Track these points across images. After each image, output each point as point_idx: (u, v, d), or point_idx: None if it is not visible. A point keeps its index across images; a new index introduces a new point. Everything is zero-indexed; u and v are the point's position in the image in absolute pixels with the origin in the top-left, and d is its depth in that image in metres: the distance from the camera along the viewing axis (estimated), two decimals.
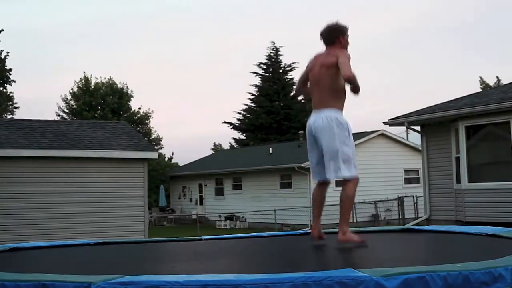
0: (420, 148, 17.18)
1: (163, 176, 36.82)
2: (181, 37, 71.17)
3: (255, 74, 43.91)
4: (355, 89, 4.61)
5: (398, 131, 29.38)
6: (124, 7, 68.33)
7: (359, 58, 69.67)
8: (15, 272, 3.05)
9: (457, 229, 5.18)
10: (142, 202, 16.94)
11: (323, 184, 4.86)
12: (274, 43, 44.10)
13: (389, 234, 5.52)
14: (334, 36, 4.79)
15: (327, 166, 4.61)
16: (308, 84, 4.94)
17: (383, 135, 26.91)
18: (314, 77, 4.79)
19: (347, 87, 4.68)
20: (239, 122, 43.99)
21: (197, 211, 30.44)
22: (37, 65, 63.08)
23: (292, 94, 43.52)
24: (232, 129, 44.50)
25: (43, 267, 3.37)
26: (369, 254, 4.22)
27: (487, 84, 41.36)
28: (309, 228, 22.42)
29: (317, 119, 4.66)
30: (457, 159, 14.43)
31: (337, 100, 4.68)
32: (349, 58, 4.66)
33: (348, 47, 4.84)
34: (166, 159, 44.02)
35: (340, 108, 4.70)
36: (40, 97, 61.20)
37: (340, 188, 4.65)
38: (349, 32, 4.85)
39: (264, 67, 43.76)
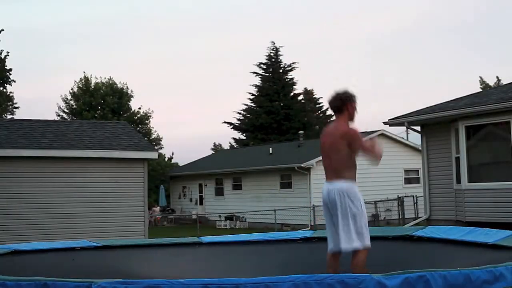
0: (420, 148, 17.17)
1: (163, 176, 36.79)
2: (181, 37, 71.20)
3: (255, 74, 43.92)
4: (375, 157, 4.90)
5: (398, 131, 29.39)
6: (124, 7, 68.35)
7: (360, 58, 69.67)
8: (17, 276, 3.04)
9: (458, 237, 5.15)
10: (142, 202, 16.93)
11: (336, 255, 4.95)
12: (274, 43, 44.14)
13: (388, 243, 5.51)
14: (342, 104, 4.97)
15: (341, 237, 4.76)
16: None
17: (383, 135, 26.86)
18: (324, 150, 5.00)
19: (361, 158, 4.92)
20: (239, 122, 43.97)
21: (197, 211, 30.41)
22: (37, 65, 63.16)
23: (292, 94, 43.52)
24: (232, 129, 44.51)
25: (44, 271, 3.37)
26: (369, 265, 4.23)
27: (487, 84, 41.35)
28: (309, 228, 22.42)
29: (330, 193, 4.85)
30: (457, 159, 14.42)
31: (348, 171, 4.86)
32: (358, 134, 4.90)
33: (356, 114, 5.02)
34: (166, 159, 43.99)
35: (352, 178, 4.88)
36: (40, 97, 61.25)
37: None
38: (357, 100, 5.03)
39: (264, 67, 43.74)
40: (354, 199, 4.77)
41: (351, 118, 4.97)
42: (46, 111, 62.61)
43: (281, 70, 43.57)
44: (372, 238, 5.35)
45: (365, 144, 4.85)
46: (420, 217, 17.72)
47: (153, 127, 43.97)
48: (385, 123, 16.74)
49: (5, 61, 34.33)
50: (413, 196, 25.16)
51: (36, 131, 17.32)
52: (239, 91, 73.71)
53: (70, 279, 2.72)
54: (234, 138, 45.34)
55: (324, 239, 5.39)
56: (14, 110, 38.11)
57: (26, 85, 57.45)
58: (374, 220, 24.95)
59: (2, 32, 33.71)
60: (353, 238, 4.71)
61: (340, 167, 4.83)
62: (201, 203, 32.62)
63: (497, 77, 42.92)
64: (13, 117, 34.72)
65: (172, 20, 68.80)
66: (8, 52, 34.46)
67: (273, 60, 43.92)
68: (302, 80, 69.93)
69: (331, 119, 47.77)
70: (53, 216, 15.83)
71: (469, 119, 14.18)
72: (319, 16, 67.45)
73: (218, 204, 30.78)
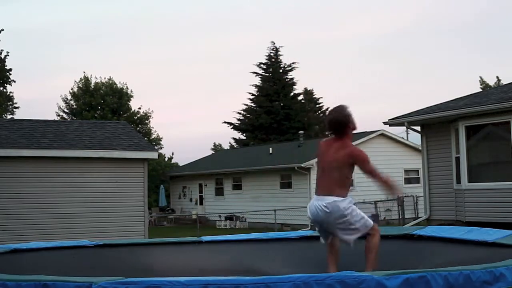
0: (420, 148, 17.17)
1: (163, 176, 36.80)
2: (181, 37, 71.21)
3: (255, 74, 43.93)
4: (389, 188, 5.08)
5: (398, 131, 29.46)
6: (124, 7, 68.37)
7: (360, 58, 69.72)
8: (17, 274, 3.04)
9: (458, 236, 5.15)
10: (142, 202, 16.93)
11: (334, 242, 4.92)
12: (274, 43, 44.14)
13: (389, 241, 5.51)
14: (343, 127, 4.82)
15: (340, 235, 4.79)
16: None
17: (383, 135, 26.88)
18: (324, 167, 4.85)
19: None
20: (239, 122, 43.98)
21: (197, 211, 30.41)
22: (37, 65, 63.17)
23: (292, 94, 43.51)
24: (232, 129, 44.52)
25: (44, 269, 3.36)
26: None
27: (487, 84, 41.38)
28: (309, 228, 22.40)
29: (318, 208, 4.72)
30: (457, 159, 14.41)
31: (342, 189, 4.78)
32: (368, 158, 4.81)
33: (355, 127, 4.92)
34: (166, 159, 44.00)
35: (344, 196, 4.77)
36: (40, 97, 61.22)
37: None
38: (353, 114, 4.87)
39: (264, 67, 43.75)
40: (344, 212, 4.69)
41: (352, 136, 4.91)
42: (46, 111, 62.68)
43: (281, 70, 43.57)
44: None
45: (375, 168, 4.81)
46: (420, 217, 17.72)
47: (153, 127, 44.03)
48: (385, 123, 16.74)
49: (5, 61, 34.35)
50: (413, 196, 25.15)
51: (36, 131, 17.32)
52: (239, 91, 73.81)
53: (70, 278, 2.71)
54: (234, 138, 45.38)
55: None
56: (14, 110, 38.16)
57: (26, 85, 57.49)
58: (374, 220, 24.90)
59: (2, 32, 33.74)
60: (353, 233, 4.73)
61: (336, 185, 4.74)
62: (201, 203, 32.63)
63: (497, 77, 42.97)
64: (13, 117, 34.73)
65: (172, 20, 68.90)
66: (8, 52, 34.52)
67: (273, 60, 43.93)
68: (302, 80, 69.92)
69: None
70: (53, 216, 15.83)
71: (469, 119, 14.17)
72: (319, 16, 67.49)
73: (218, 204, 30.78)
